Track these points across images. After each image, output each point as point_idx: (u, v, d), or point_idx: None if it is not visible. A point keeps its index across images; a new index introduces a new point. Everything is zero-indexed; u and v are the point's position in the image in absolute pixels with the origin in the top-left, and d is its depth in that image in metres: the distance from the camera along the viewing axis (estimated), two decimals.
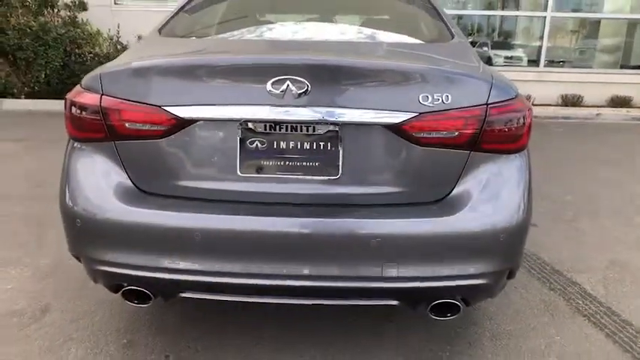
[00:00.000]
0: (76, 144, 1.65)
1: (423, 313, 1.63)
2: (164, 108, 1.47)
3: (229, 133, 1.50)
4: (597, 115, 7.69)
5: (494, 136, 1.52)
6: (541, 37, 8.71)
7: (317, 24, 2.48)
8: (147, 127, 1.50)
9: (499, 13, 9.49)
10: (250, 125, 1.49)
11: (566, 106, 8.24)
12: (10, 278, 2.43)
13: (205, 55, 1.71)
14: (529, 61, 9.10)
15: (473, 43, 1.85)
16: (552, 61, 9.06)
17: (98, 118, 1.53)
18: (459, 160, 1.53)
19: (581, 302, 2.29)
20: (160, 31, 2.07)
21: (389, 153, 1.51)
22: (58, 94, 7.62)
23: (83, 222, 1.57)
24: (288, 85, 1.42)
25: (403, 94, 1.47)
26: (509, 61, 9.20)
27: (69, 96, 1.62)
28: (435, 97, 1.46)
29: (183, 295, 1.62)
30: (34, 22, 7.37)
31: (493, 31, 9.84)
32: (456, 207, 1.51)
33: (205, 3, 2.46)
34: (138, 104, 1.50)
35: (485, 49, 8.83)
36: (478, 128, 1.49)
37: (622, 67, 9.14)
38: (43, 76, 7.45)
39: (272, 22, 2.41)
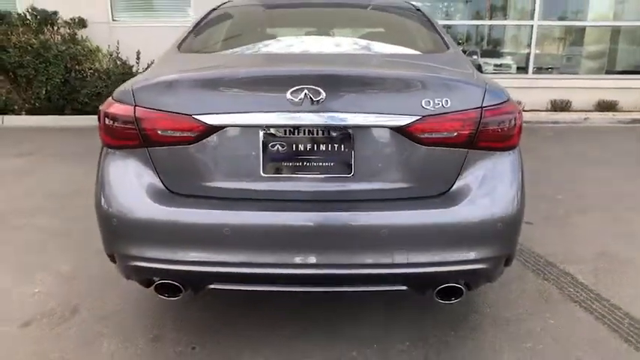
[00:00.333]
0: (110, 151, 1.81)
1: (430, 298, 1.80)
2: (194, 116, 1.64)
3: (253, 138, 1.67)
4: (585, 119, 7.96)
5: (489, 135, 1.70)
6: (529, 45, 8.99)
7: (325, 38, 2.68)
8: (178, 133, 1.67)
9: (487, 22, 9.78)
10: (272, 130, 1.66)
11: (556, 111, 8.50)
12: (35, 283, 2.57)
13: (230, 69, 1.88)
14: (518, 68, 9.37)
15: (462, 52, 2.04)
16: (540, 68, 9.33)
17: (133, 127, 1.69)
18: (458, 158, 1.71)
19: (572, 290, 2.47)
20: (179, 47, 2.25)
21: (396, 152, 1.69)
22: (59, 110, 7.76)
23: (120, 222, 1.72)
24: (305, 94, 1.60)
25: (408, 100, 1.66)
26: (499, 68, 9.46)
27: (103, 108, 1.78)
28: (436, 101, 1.64)
29: (212, 286, 1.77)
30: (35, 39, 7.52)
31: (482, 39, 10.11)
32: (457, 199, 1.69)
33: (215, 20, 2.65)
34: (170, 113, 1.66)
35: (475, 57, 9.07)
36: (474, 129, 1.68)
37: (607, 72, 9.43)
38: (44, 92, 7.57)
39: (280, 37, 2.60)
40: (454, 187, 1.73)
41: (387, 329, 2.12)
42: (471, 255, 1.69)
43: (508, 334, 2.10)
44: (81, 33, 8.12)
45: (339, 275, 1.70)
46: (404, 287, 1.75)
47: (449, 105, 1.65)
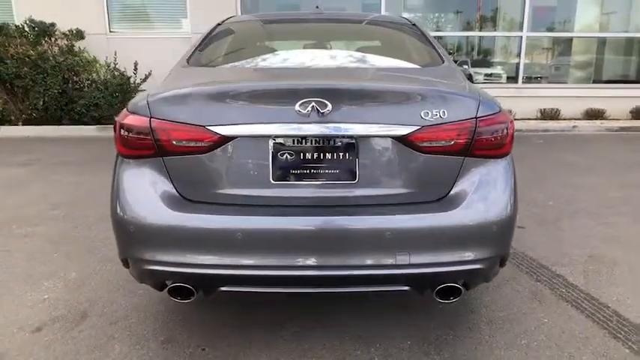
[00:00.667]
0: (125, 160, 1.90)
1: (429, 299, 1.90)
2: (208, 127, 1.74)
3: (263, 147, 1.77)
4: (574, 127, 8.17)
5: (484, 143, 1.82)
6: (518, 55, 9.23)
7: (329, 52, 2.80)
8: (192, 143, 1.77)
9: (477, 34, 10.01)
10: (281, 140, 1.77)
11: (545, 119, 8.72)
12: (45, 289, 2.63)
13: (241, 82, 1.99)
14: (508, 77, 9.60)
15: (454, 62, 2.19)
16: (530, 78, 9.57)
17: (148, 137, 1.79)
18: (455, 165, 1.83)
19: (564, 290, 2.58)
20: (187, 61, 2.35)
21: (397, 160, 1.80)
22: (57, 121, 7.83)
23: (136, 227, 1.81)
24: (313, 106, 1.71)
25: (408, 111, 1.78)
26: (489, 78, 9.68)
27: (119, 119, 1.88)
28: (434, 112, 1.76)
29: (223, 289, 1.86)
30: (33, 51, 7.60)
31: (472, 49, 10.34)
32: (455, 204, 1.81)
33: (221, 35, 2.76)
34: (184, 125, 1.76)
35: (466, 67, 9.29)
36: (470, 138, 1.79)
37: (594, 82, 9.70)
38: (42, 103, 7.64)
39: (286, 51, 2.72)
40: (452, 192, 1.84)
41: (390, 329, 2.22)
42: (469, 256, 1.80)
43: (504, 332, 2.21)
44: (78, 44, 8.21)
45: (346, 276, 1.79)
46: (406, 287, 1.85)
47: (446, 116, 1.77)
